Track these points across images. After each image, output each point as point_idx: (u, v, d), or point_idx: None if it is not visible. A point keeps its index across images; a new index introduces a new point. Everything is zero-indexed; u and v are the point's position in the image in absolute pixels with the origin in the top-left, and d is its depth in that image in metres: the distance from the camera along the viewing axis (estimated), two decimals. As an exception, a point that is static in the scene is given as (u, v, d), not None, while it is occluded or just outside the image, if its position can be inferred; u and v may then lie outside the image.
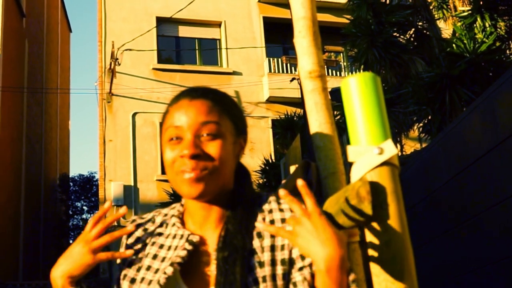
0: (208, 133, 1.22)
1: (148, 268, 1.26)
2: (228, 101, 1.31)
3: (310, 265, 1.16)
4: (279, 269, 1.17)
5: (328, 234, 1.07)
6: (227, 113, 1.27)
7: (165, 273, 1.22)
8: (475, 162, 3.97)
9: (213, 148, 1.22)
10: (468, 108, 4.15)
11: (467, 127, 4.10)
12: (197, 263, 1.24)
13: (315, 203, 1.10)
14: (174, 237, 1.29)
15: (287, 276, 1.17)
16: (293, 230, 1.11)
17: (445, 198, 4.48)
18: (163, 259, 1.26)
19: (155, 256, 1.28)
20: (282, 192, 1.14)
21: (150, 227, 1.34)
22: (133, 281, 1.27)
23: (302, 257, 1.17)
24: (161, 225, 1.33)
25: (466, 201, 4.15)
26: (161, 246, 1.29)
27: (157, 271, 1.24)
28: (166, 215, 1.35)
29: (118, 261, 1.32)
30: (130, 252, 1.26)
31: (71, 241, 24.30)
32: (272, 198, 1.28)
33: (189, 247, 1.24)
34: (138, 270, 1.28)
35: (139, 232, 1.34)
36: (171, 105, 1.29)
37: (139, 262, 1.29)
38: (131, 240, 1.33)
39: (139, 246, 1.31)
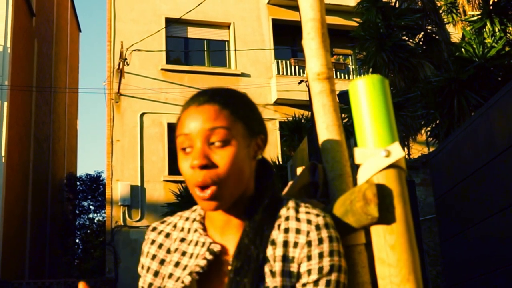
0: (218, 140, 1.18)
1: (170, 276, 1.24)
2: (239, 102, 1.26)
3: (314, 282, 1.15)
4: (288, 281, 1.16)
5: None
6: (237, 115, 1.22)
7: (183, 282, 1.20)
8: (507, 149, 3.74)
9: (223, 157, 1.18)
10: (503, 89, 3.88)
11: (502, 111, 3.84)
12: (216, 272, 1.22)
13: None
14: (196, 244, 1.26)
15: None
16: None
17: (477, 185, 4.22)
18: (185, 268, 1.23)
19: (177, 264, 1.25)
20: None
21: (172, 232, 1.31)
22: None
23: (309, 273, 1.16)
24: (183, 230, 1.30)
25: (499, 188, 3.91)
26: (184, 253, 1.26)
27: (178, 279, 1.22)
28: (187, 219, 1.32)
29: (140, 268, 1.30)
30: None
31: (77, 240, 24.37)
32: (291, 204, 1.24)
33: (210, 257, 1.22)
34: (163, 278, 1.26)
35: (161, 239, 1.31)
36: (181, 112, 1.25)
37: (164, 270, 1.27)
38: (154, 247, 1.30)
39: (163, 253, 1.29)
